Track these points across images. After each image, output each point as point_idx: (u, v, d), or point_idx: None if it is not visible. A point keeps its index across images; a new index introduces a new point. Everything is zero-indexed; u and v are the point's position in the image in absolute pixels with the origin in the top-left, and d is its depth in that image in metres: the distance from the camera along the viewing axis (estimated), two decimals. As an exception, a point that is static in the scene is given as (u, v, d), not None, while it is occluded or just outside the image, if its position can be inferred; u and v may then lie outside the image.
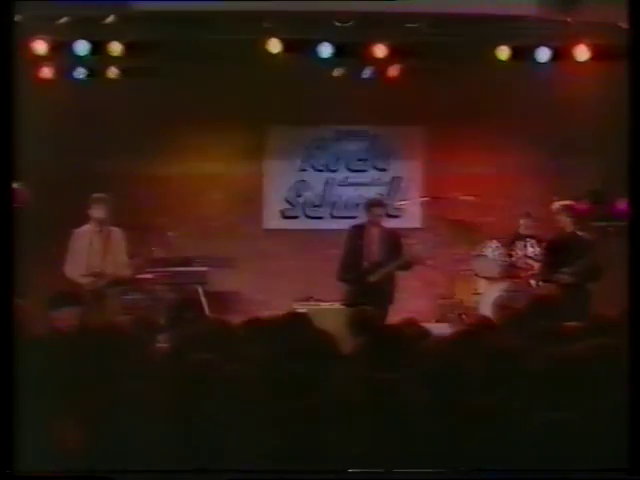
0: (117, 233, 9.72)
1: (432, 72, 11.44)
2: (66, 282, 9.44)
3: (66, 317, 6.47)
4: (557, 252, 9.66)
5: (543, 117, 11.68)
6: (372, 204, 10.51)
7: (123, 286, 9.86)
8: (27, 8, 9.01)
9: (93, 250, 9.56)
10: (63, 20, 10.60)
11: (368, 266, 10.16)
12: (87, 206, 9.67)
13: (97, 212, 9.62)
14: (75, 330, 6.01)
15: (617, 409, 4.02)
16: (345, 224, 11.09)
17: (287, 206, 12.58)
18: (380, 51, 11.22)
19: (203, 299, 10.62)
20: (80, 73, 11.24)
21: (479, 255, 11.29)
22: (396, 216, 12.22)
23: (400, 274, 10.35)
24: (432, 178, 12.45)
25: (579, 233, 9.73)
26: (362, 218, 10.58)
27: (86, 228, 9.67)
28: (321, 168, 12.60)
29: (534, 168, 12.24)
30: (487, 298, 10.70)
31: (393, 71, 11.64)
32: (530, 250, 10.88)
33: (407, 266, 10.33)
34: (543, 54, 11.15)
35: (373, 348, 4.96)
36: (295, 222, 12.61)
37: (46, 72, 11.13)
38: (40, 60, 10.94)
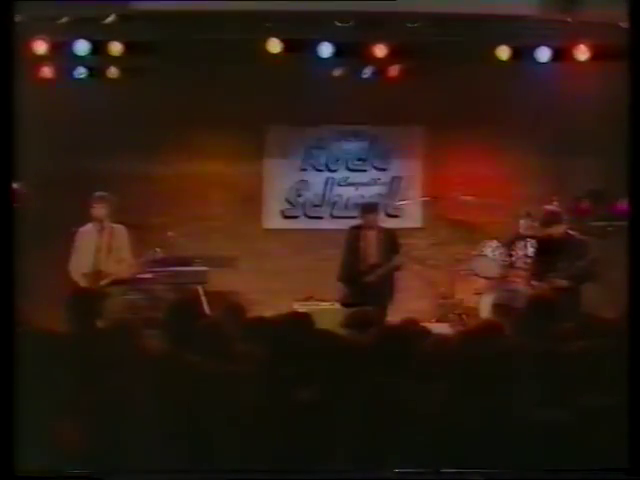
0: (120, 230, 9.76)
1: (432, 72, 11.44)
2: (67, 281, 9.46)
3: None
4: (555, 253, 9.64)
5: (543, 117, 11.67)
6: (365, 210, 10.57)
7: (125, 285, 9.86)
8: (27, 8, 9.02)
9: (96, 248, 9.59)
10: (63, 20, 10.61)
11: (368, 266, 10.16)
12: (88, 205, 9.70)
13: (98, 211, 9.66)
14: (76, 330, 6.00)
15: (616, 409, 4.03)
16: (345, 224, 11.08)
17: (287, 206, 12.56)
18: (380, 51, 11.22)
19: (203, 299, 10.61)
20: (80, 73, 11.25)
21: (479, 255, 11.28)
22: (396, 216, 12.22)
23: (400, 274, 10.34)
24: (432, 178, 12.44)
25: (573, 233, 9.73)
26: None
27: (89, 227, 9.72)
28: (321, 168, 12.58)
29: (534, 168, 12.23)
30: (487, 298, 10.69)
31: (393, 71, 11.64)
32: (530, 250, 10.85)
33: (405, 266, 10.33)
34: (543, 54, 11.15)
35: (373, 348, 4.96)
36: (295, 222, 12.59)
37: (46, 72, 11.12)
38: (40, 60, 10.94)
